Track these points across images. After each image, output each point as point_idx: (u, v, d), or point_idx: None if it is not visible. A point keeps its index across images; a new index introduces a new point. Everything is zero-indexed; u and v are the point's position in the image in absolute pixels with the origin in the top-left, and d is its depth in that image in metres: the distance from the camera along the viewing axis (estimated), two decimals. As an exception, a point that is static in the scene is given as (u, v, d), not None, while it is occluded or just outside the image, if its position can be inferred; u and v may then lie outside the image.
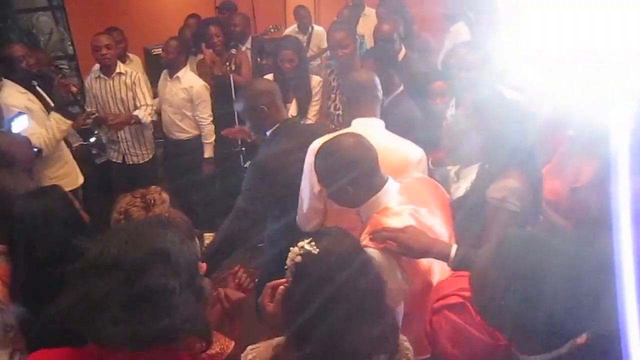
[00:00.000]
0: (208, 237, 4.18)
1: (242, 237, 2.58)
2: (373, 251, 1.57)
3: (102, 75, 3.82)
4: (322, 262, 1.30)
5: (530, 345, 1.14)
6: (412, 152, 2.21)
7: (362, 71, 2.67)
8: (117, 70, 3.79)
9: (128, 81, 3.80)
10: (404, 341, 1.42)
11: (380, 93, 2.39)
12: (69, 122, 3.24)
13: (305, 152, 2.23)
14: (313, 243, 1.32)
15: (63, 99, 3.45)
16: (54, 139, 3.18)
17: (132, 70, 3.90)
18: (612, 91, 1.13)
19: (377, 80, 2.40)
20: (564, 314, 1.08)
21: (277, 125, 2.43)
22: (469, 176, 2.12)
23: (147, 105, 3.88)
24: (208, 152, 4.10)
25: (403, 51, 3.66)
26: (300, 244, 1.33)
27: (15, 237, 1.73)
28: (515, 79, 2.66)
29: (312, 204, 2.23)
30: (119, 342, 1.08)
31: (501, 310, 1.14)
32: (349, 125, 2.40)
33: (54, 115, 3.18)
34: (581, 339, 1.10)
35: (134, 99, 3.84)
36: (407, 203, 1.73)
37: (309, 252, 1.31)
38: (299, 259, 1.32)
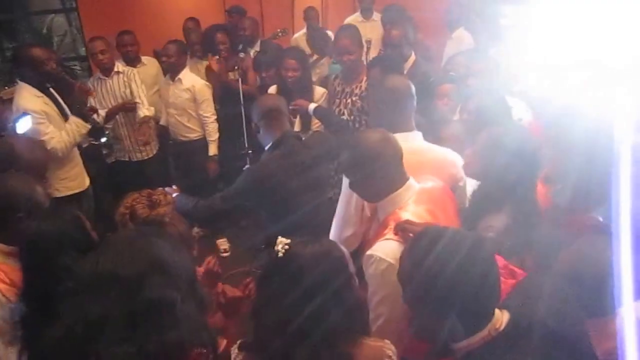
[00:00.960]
0: (221, 243, 4.19)
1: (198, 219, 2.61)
2: (393, 244, 1.58)
3: (101, 77, 3.96)
4: (281, 269, 1.29)
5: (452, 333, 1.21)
6: (459, 161, 2.12)
7: (396, 77, 2.44)
8: (115, 69, 3.95)
9: (125, 79, 3.94)
10: (387, 343, 1.41)
11: (415, 101, 2.18)
12: (89, 126, 3.29)
13: (301, 163, 2.24)
14: (286, 247, 1.30)
15: (83, 103, 3.52)
16: (74, 142, 3.24)
17: (128, 68, 4.03)
18: (612, 98, 1.14)
19: (413, 88, 2.19)
20: (465, 303, 1.17)
21: (275, 139, 2.47)
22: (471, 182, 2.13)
23: (141, 100, 3.95)
24: (212, 150, 4.14)
25: (413, 57, 3.67)
26: (282, 239, 1.32)
27: (26, 255, 1.63)
28: (519, 86, 2.66)
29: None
30: None
31: (417, 300, 1.25)
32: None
33: (74, 119, 3.22)
34: (499, 324, 1.19)
35: (131, 94, 3.94)
36: (426, 203, 1.75)
37: (276, 253, 1.30)
38: (274, 249, 1.32)
